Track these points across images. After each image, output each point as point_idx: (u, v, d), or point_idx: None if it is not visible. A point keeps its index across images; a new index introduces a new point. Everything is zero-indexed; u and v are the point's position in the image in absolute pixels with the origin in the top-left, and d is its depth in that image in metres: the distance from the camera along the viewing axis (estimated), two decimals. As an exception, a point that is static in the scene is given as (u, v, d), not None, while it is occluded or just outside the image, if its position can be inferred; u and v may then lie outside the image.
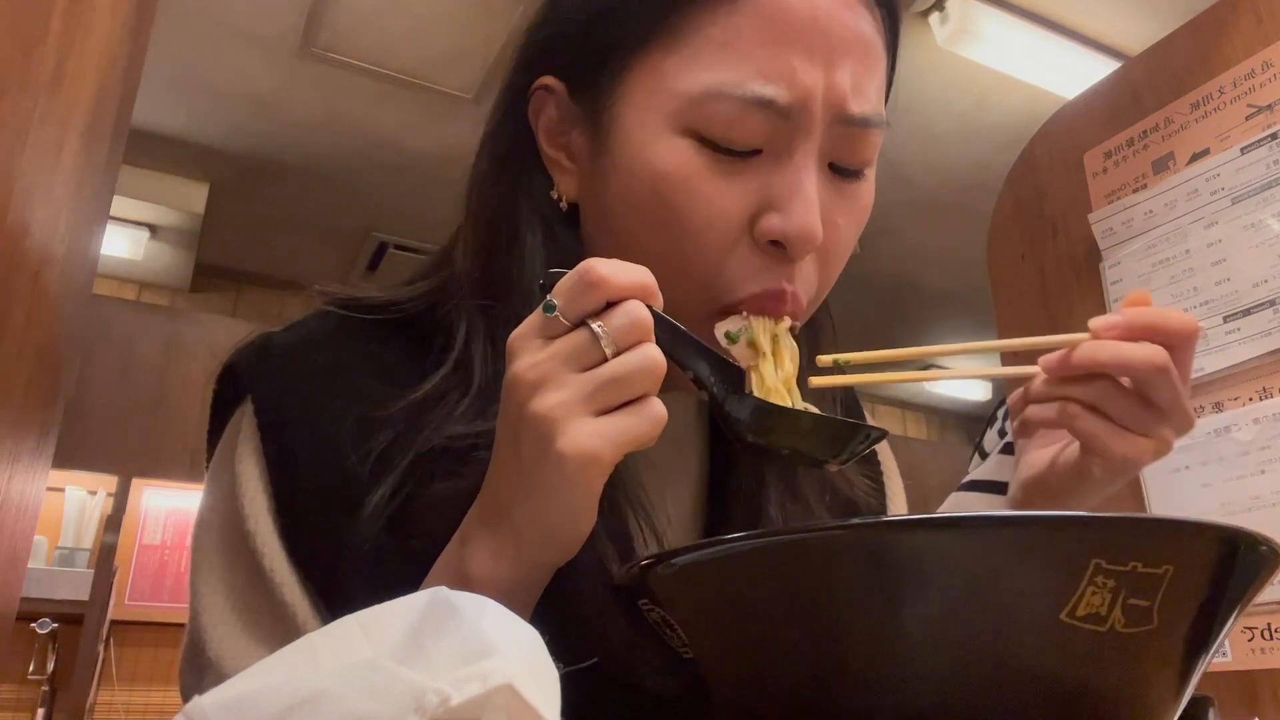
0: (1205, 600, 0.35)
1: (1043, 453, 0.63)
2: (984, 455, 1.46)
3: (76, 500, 3.31)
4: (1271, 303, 1.07)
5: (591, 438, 0.42)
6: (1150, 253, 1.21)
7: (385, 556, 0.51)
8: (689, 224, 0.50)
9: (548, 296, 0.44)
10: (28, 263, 0.75)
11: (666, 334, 0.46)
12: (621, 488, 0.54)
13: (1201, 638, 0.36)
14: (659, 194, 0.51)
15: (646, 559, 0.39)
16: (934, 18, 2.63)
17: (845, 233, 0.55)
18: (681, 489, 0.63)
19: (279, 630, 0.51)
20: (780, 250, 0.51)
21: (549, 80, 0.56)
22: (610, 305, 0.44)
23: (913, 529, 0.34)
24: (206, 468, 0.61)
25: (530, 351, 0.44)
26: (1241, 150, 1.13)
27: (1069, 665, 0.33)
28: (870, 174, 0.56)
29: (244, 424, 0.55)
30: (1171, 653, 0.35)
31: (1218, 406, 1.12)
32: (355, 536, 0.51)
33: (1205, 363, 1.13)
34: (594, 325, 0.43)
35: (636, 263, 0.47)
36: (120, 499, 3.25)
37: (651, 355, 0.43)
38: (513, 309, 0.53)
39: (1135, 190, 1.25)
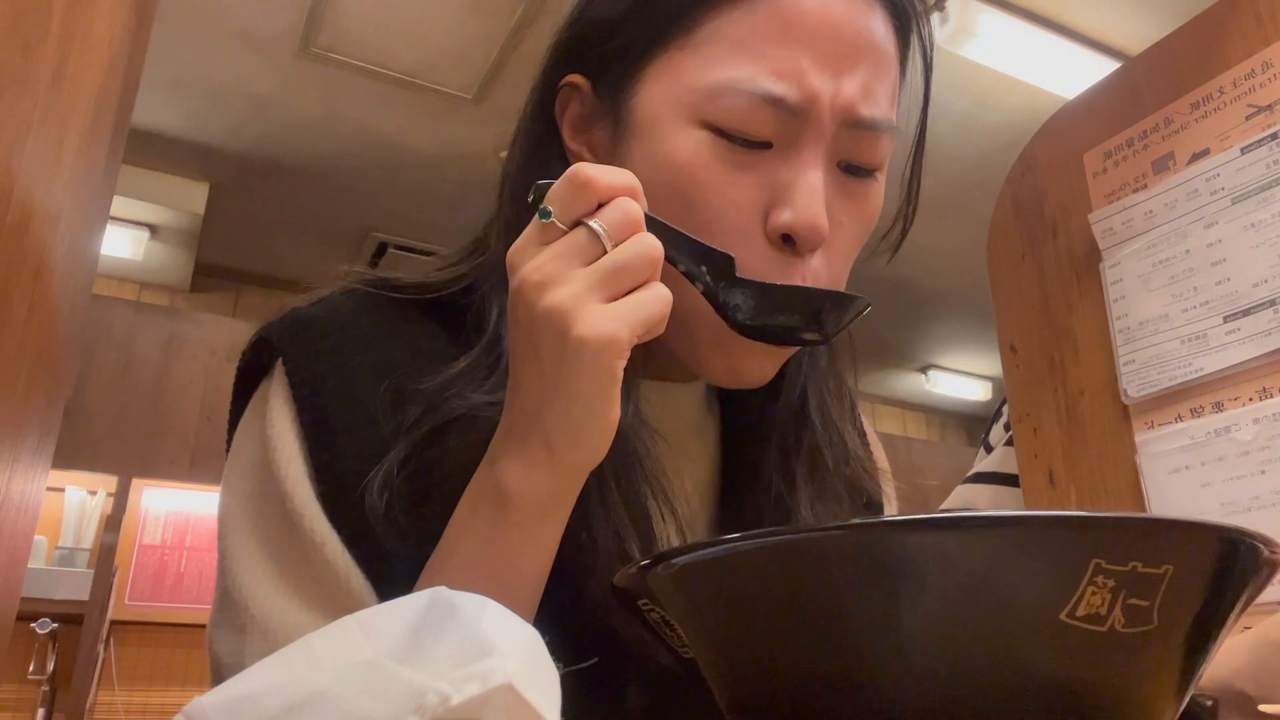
0: (1205, 600, 0.35)
1: None
2: (989, 449, 1.47)
3: (76, 500, 3.31)
4: (1271, 303, 1.07)
5: (606, 321, 0.44)
6: (1150, 253, 1.21)
7: (402, 520, 0.52)
8: (704, 213, 0.53)
9: (542, 204, 0.46)
10: (28, 263, 0.75)
11: (655, 230, 0.47)
12: (639, 469, 0.55)
13: (1201, 638, 0.36)
14: (675, 184, 0.53)
15: (646, 559, 0.39)
16: (934, 18, 2.63)
17: (850, 231, 0.56)
18: (699, 474, 0.64)
19: (323, 589, 0.52)
20: (791, 245, 0.53)
21: (575, 78, 0.59)
22: (601, 206, 0.46)
23: (913, 529, 0.34)
24: (228, 445, 0.60)
25: (532, 257, 0.46)
26: (1241, 150, 1.13)
27: (1069, 665, 0.33)
28: (881, 177, 0.58)
29: (275, 388, 0.56)
30: (1171, 653, 0.35)
31: (1218, 406, 1.12)
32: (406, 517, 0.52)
33: (1205, 363, 1.13)
34: (591, 223, 0.45)
35: None
36: (120, 499, 3.25)
37: (650, 242, 0.45)
38: None
39: (1135, 190, 1.25)
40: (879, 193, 0.58)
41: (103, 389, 3.24)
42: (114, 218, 3.36)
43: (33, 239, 0.75)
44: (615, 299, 0.44)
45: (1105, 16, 2.65)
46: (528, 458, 0.47)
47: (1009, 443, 1.41)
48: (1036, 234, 1.38)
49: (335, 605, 0.51)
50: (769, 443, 0.63)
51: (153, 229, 3.58)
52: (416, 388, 0.55)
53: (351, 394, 0.55)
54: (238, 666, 0.52)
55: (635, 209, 0.46)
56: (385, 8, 2.63)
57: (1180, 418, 1.15)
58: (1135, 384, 1.20)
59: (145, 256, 3.66)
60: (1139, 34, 2.63)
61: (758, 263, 0.53)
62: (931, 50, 0.60)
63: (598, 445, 0.47)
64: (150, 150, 3.27)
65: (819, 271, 0.55)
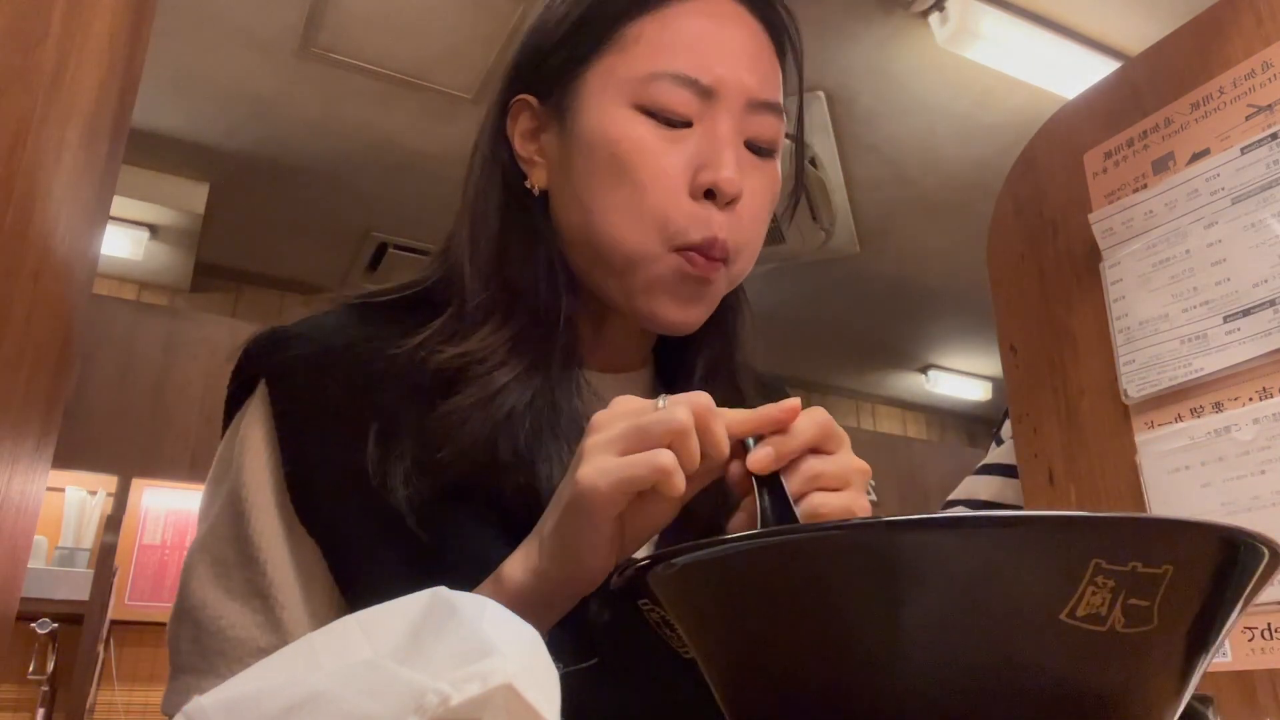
0: (1205, 600, 0.35)
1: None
2: (999, 442, 1.49)
3: (76, 500, 3.30)
4: (1271, 303, 1.08)
5: (594, 472, 0.49)
6: (1150, 253, 1.21)
7: (418, 485, 0.59)
8: (640, 176, 0.63)
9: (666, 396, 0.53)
10: (28, 263, 0.75)
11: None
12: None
13: (1201, 638, 0.36)
14: (615, 156, 0.64)
15: (646, 559, 0.39)
16: (934, 18, 2.63)
17: (760, 198, 0.67)
18: None
19: (252, 587, 0.59)
20: (712, 199, 0.64)
21: (524, 96, 0.70)
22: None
23: (913, 529, 0.34)
24: None
25: (617, 406, 0.53)
26: (1241, 150, 1.13)
27: (1069, 665, 0.33)
28: (777, 159, 0.69)
29: (255, 401, 0.64)
30: (1171, 653, 0.35)
31: (1218, 406, 1.12)
32: (375, 498, 0.58)
33: (1205, 363, 1.13)
34: (661, 399, 0.52)
35: (600, 219, 0.64)
36: (120, 499, 3.24)
37: (674, 414, 0.49)
38: (491, 264, 0.67)
39: (1135, 190, 1.25)
40: (777, 170, 0.69)
41: (103, 389, 3.24)
42: (114, 218, 3.35)
43: (33, 239, 0.75)
44: (626, 454, 0.49)
45: (1105, 16, 2.65)
46: (525, 555, 0.54)
47: (983, 469, 1.45)
48: (1036, 234, 1.38)
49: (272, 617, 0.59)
50: None
51: (153, 229, 3.58)
52: (390, 353, 0.63)
53: (328, 400, 0.62)
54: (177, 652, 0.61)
55: (701, 400, 0.51)
56: (385, 8, 2.63)
57: (1180, 418, 1.15)
58: (1135, 384, 1.20)
59: (145, 256, 3.65)
60: (1139, 34, 2.63)
61: (682, 218, 0.63)
62: (802, 57, 0.73)
63: (576, 570, 0.52)
64: (150, 150, 3.26)
65: (736, 228, 0.64)
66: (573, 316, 0.67)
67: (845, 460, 0.54)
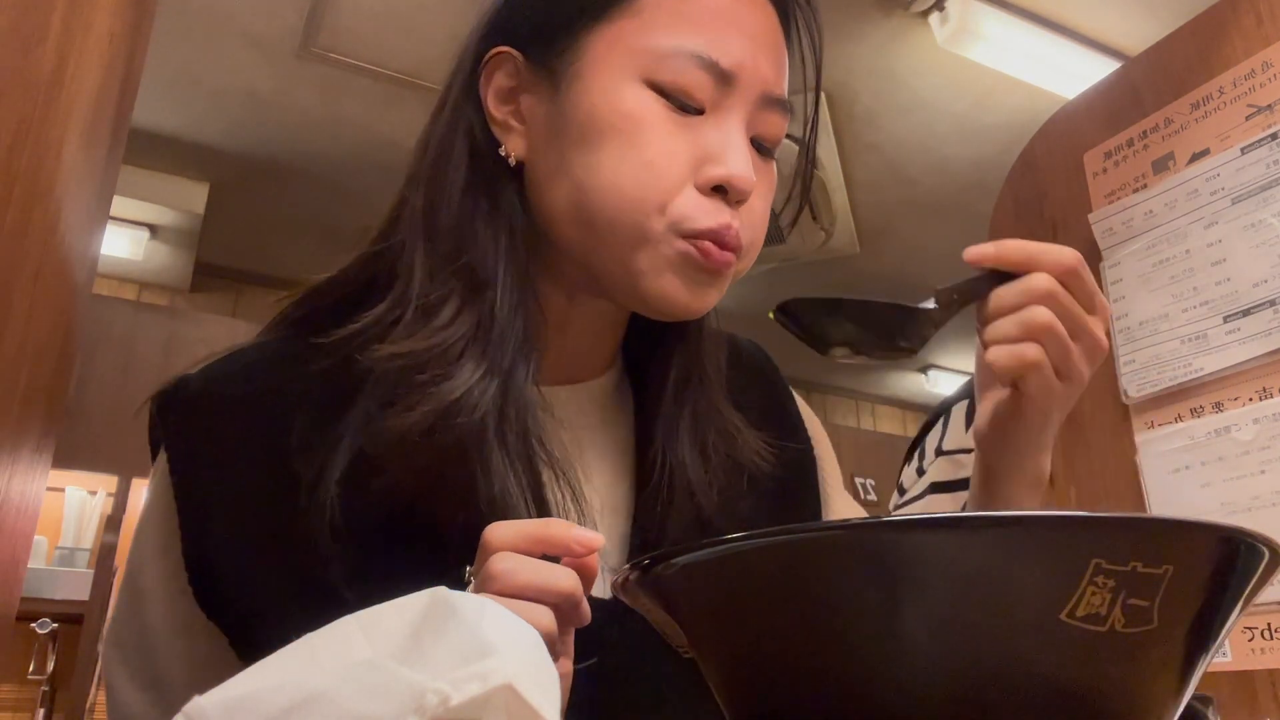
0: (1205, 600, 0.35)
1: (984, 408, 0.67)
2: (902, 492, 1.46)
3: (76, 500, 3.31)
4: (1271, 303, 1.07)
5: None
6: (1150, 253, 1.21)
7: (347, 519, 0.54)
8: (644, 155, 0.56)
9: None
10: (28, 263, 0.75)
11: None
12: (530, 433, 0.58)
13: (1201, 638, 0.36)
14: (619, 129, 0.57)
15: (646, 559, 0.39)
16: (934, 18, 2.63)
17: (765, 199, 0.62)
18: (611, 465, 0.67)
19: (147, 676, 0.58)
20: (722, 194, 0.58)
21: (506, 49, 0.62)
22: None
23: (913, 529, 0.34)
24: None
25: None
26: (1241, 150, 1.13)
27: (1069, 665, 0.33)
28: (774, 159, 0.65)
29: (157, 471, 0.59)
30: (1171, 653, 0.35)
31: (1218, 406, 1.12)
32: (290, 560, 0.54)
33: (1205, 363, 1.13)
34: (468, 574, 0.48)
35: (593, 195, 0.56)
36: (120, 499, 3.24)
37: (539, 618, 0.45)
38: (447, 243, 0.59)
39: (1135, 190, 1.25)
40: (775, 170, 0.64)
41: (103, 389, 3.24)
42: (114, 218, 3.35)
43: (33, 239, 0.75)
44: None
45: (1105, 16, 2.65)
46: None
47: (931, 489, 1.39)
48: (1036, 234, 1.38)
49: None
50: (675, 432, 0.65)
51: (153, 229, 3.58)
52: (319, 342, 0.57)
53: (238, 468, 0.57)
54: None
55: (500, 568, 0.45)
56: (386, 7, 2.63)
57: (1180, 418, 1.15)
58: (1135, 384, 1.20)
59: (145, 256, 3.65)
60: (1139, 34, 2.63)
61: (690, 207, 0.56)
62: (820, 51, 0.66)
63: None
64: (150, 150, 3.26)
65: (746, 220, 0.59)
66: (533, 312, 0.60)
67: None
